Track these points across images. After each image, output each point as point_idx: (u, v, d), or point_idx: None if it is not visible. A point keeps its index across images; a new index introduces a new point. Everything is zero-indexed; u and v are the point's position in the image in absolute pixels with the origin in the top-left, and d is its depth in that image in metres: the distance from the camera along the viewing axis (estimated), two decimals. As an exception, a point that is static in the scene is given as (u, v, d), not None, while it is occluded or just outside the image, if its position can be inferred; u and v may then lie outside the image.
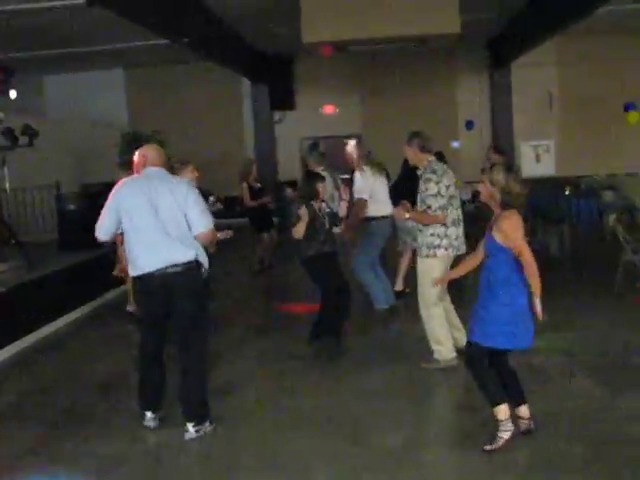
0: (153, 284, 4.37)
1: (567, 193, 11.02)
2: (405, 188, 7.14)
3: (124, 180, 4.58)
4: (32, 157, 10.76)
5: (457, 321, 5.71)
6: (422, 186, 5.39)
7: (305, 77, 16.00)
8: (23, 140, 7.97)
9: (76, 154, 12.71)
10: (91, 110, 15.01)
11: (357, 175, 7.06)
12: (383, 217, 7.01)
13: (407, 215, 5.41)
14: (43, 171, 10.86)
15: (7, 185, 7.96)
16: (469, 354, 4.03)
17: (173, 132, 15.71)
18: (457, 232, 5.43)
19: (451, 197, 5.39)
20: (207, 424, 4.48)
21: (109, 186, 7.62)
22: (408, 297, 7.57)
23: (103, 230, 4.49)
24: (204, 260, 4.51)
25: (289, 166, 16.28)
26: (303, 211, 5.93)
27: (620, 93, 14.67)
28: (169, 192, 4.38)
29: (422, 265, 5.48)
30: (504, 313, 3.83)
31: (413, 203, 5.59)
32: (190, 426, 4.42)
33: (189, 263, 4.37)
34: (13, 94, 7.33)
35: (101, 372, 6.01)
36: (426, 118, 15.69)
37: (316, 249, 5.98)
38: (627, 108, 12.62)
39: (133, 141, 10.29)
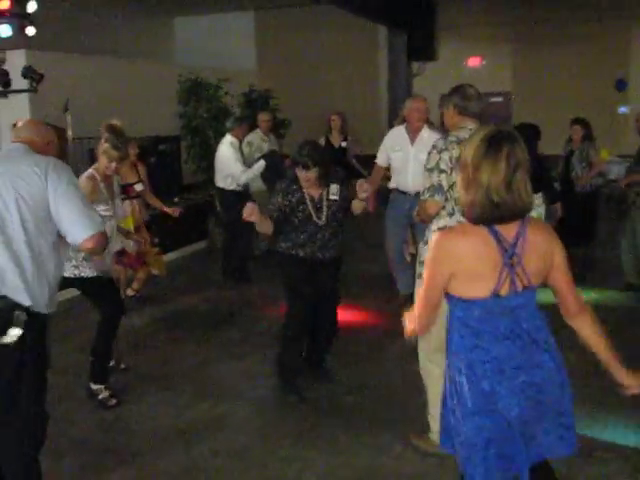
0: None
1: None
2: None
3: None
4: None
5: None
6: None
7: (448, 24, 14.11)
8: (22, 84, 6.90)
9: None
10: (217, 57, 14.20)
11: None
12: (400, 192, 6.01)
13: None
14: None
15: (70, 132, 7.19)
16: None
17: (301, 82, 14.68)
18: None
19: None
20: None
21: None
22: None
23: None
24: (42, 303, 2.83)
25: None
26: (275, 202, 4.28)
27: None
28: (16, 183, 2.76)
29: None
30: None
31: None
32: None
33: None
34: (31, 30, 6.52)
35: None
36: (588, 75, 13.34)
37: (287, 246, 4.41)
38: None
39: (191, 90, 9.29)
